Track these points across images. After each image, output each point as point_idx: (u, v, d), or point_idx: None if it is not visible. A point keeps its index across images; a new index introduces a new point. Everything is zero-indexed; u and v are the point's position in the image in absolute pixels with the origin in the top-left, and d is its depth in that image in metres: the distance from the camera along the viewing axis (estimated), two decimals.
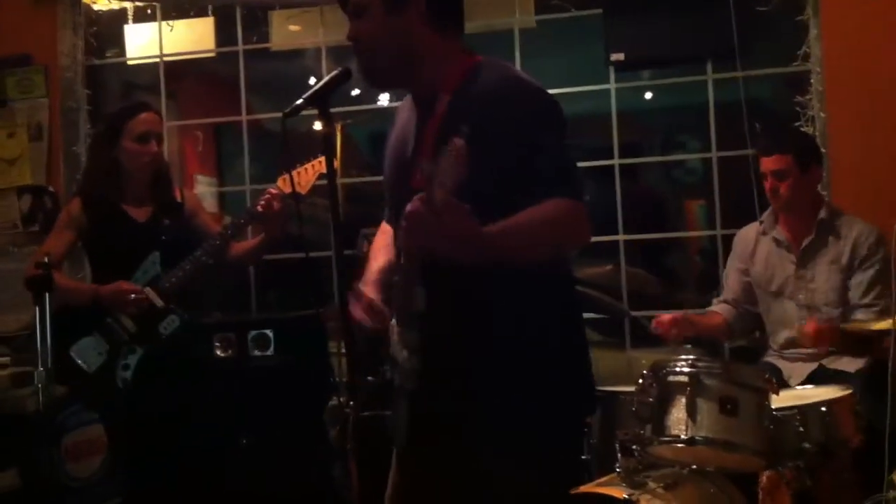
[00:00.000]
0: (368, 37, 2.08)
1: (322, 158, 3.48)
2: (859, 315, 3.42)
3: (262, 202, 3.50)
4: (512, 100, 2.00)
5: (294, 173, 3.50)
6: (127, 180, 3.56)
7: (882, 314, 3.35)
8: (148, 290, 3.46)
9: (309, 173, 3.51)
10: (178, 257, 3.52)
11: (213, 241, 3.56)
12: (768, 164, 3.53)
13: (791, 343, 3.50)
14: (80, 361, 3.44)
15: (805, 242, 3.55)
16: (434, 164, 1.73)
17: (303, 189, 3.52)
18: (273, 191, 3.52)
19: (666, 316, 3.52)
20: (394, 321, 2.08)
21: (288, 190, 3.49)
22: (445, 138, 1.77)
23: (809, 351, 3.44)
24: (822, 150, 4.01)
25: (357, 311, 2.07)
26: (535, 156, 1.96)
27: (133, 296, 3.43)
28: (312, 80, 5.04)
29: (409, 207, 1.76)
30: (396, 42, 2.07)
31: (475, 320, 2.04)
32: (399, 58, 2.08)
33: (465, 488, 2.06)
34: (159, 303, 3.46)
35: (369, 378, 2.05)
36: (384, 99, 4.87)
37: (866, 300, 3.43)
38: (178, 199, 3.69)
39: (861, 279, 3.46)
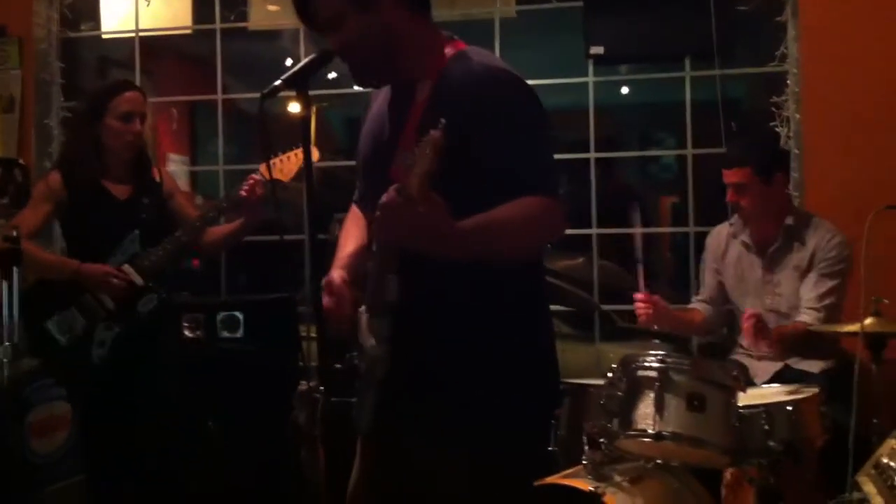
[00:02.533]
0: (353, 44, 2.06)
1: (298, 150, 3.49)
2: (803, 316, 3.43)
3: (245, 187, 3.50)
4: (493, 92, 2.00)
5: (277, 160, 3.52)
6: (108, 158, 3.55)
7: (828, 318, 3.38)
8: (127, 267, 3.46)
9: (292, 161, 3.52)
10: (156, 237, 3.52)
11: (194, 222, 3.58)
12: (729, 176, 3.53)
13: None
14: (56, 335, 3.43)
15: (772, 248, 3.57)
16: (411, 156, 1.72)
17: (286, 176, 3.54)
18: (255, 176, 3.52)
19: (650, 297, 3.49)
20: (363, 308, 2.07)
21: (270, 175, 3.47)
22: (428, 127, 1.77)
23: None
24: (797, 150, 4.04)
25: (324, 297, 2.07)
26: (514, 150, 1.96)
27: (116, 280, 3.41)
28: (289, 62, 5.01)
29: (384, 198, 1.76)
30: (379, 38, 2.06)
31: (443, 310, 2.04)
32: (387, 52, 2.07)
33: (427, 478, 2.07)
34: (139, 281, 3.47)
35: (337, 365, 2.04)
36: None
37: (811, 301, 3.44)
38: (157, 179, 3.68)
39: (812, 279, 3.47)
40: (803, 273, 3.49)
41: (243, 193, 3.51)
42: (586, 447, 2.67)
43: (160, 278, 3.57)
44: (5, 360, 3.08)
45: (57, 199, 3.54)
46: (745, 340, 3.47)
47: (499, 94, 2.00)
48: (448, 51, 2.10)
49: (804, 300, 3.46)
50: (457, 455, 2.03)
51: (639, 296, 3.49)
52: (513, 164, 1.96)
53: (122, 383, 3.43)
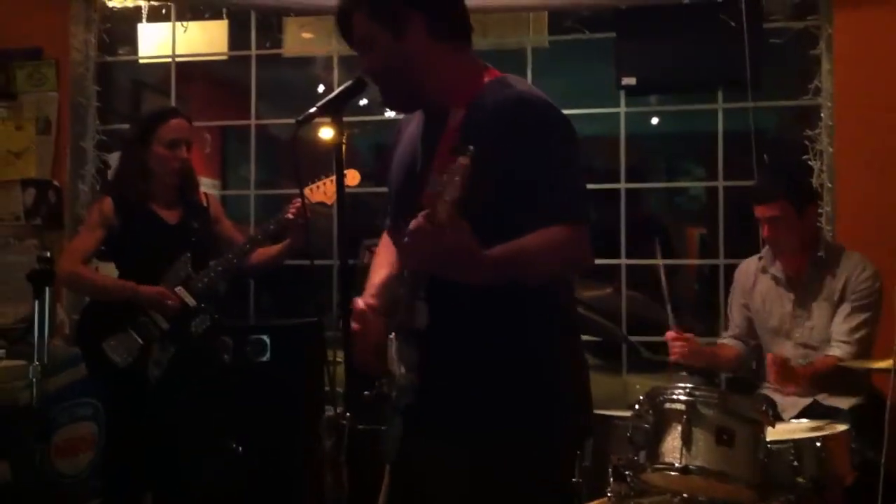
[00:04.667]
0: (384, 67, 2.08)
1: (349, 171, 3.56)
2: (835, 350, 3.39)
3: (292, 210, 3.55)
4: (525, 118, 1.99)
5: (321, 183, 3.60)
6: (156, 183, 3.60)
7: (859, 352, 3.34)
8: (180, 289, 3.51)
9: (331, 185, 3.57)
10: (205, 259, 3.59)
11: (244, 244, 3.64)
12: (763, 211, 3.50)
13: None
14: (113, 356, 3.46)
15: (803, 281, 3.54)
16: (440, 182, 1.72)
17: (329, 199, 3.60)
18: (300, 199, 3.56)
19: (683, 334, 3.48)
20: (392, 335, 2.07)
21: (315, 199, 3.58)
22: (459, 153, 1.76)
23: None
24: (829, 184, 4.01)
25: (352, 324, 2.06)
26: (545, 177, 1.95)
27: (170, 302, 3.47)
28: (322, 89, 5.05)
29: (412, 224, 1.75)
30: (411, 65, 2.06)
31: (474, 339, 2.03)
32: (418, 80, 2.08)
33: None
34: (192, 302, 3.52)
35: (366, 392, 2.04)
36: (390, 111, 4.87)
37: (842, 334, 3.40)
38: (203, 203, 3.74)
39: (843, 312, 3.43)
40: (835, 305, 3.46)
41: (290, 216, 3.54)
42: (611, 479, 2.66)
43: (212, 300, 3.61)
44: (34, 379, 3.10)
45: (109, 224, 3.59)
46: (769, 376, 3.43)
47: (531, 120, 1.99)
48: (484, 79, 2.11)
49: (835, 333, 3.42)
50: (481, 486, 2.01)
51: (671, 334, 3.47)
52: (543, 191, 1.95)
53: (173, 403, 3.46)
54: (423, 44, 2.06)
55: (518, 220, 1.91)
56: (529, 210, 1.93)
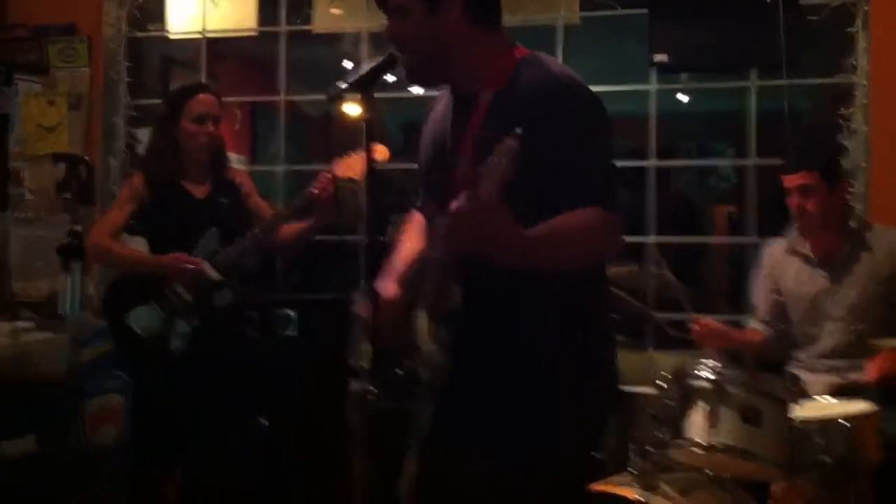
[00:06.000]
0: (409, 36, 2.07)
1: (377, 147, 3.51)
2: None
3: (319, 186, 3.52)
4: (557, 100, 1.97)
5: (349, 159, 3.54)
6: (186, 159, 3.62)
7: None
8: (204, 263, 3.52)
9: (361, 160, 3.54)
10: (233, 235, 3.59)
11: (270, 220, 3.64)
12: (794, 180, 3.44)
13: (824, 354, 3.45)
14: (136, 328, 3.50)
15: (837, 257, 3.50)
16: (484, 163, 1.72)
17: (357, 175, 3.55)
18: (327, 175, 3.53)
19: (708, 320, 3.45)
20: (423, 314, 2.07)
21: (342, 174, 3.52)
22: (487, 135, 1.77)
23: (838, 364, 3.39)
24: (864, 163, 3.96)
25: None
26: (577, 159, 1.93)
27: (191, 266, 3.49)
28: (349, 65, 5.05)
29: (453, 206, 1.74)
30: (437, 40, 2.06)
31: (507, 319, 2.02)
32: (441, 55, 2.07)
33: (482, 484, 2.06)
34: (215, 276, 3.52)
35: (397, 370, 2.05)
36: (418, 88, 4.86)
37: None
38: (234, 180, 3.75)
39: None
40: (882, 280, 3.40)
41: (316, 192, 3.53)
42: (634, 455, 2.66)
43: (237, 275, 3.62)
44: (64, 352, 3.14)
45: (140, 199, 3.62)
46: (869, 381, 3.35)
47: (562, 102, 1.98)
48: (515, 58, 2.09)
49: None
50: (510, 463, 2.01)
51: (694, 326, 3.44)
52: (575, 173, 1.93)
53: (196, 376, 3.49)
54: (457, 23, 2.05)
55: (550, 203, 1.90)
56: (561, 193, 1.91)
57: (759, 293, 3.70)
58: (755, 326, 3.70)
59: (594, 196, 1.92)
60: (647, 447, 2.63)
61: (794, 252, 3.59)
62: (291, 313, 3.84)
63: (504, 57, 2.09)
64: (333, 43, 4.97)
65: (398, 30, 2.08)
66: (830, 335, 3.46)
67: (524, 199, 1.83)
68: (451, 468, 2.11)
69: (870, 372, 3.22)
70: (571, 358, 2.02)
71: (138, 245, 3.82)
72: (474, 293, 1.96)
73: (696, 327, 3.42)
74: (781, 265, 3.62)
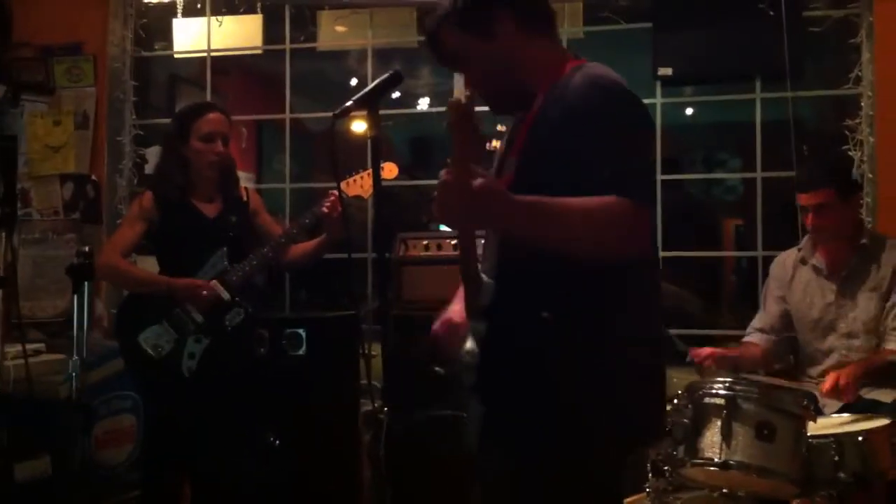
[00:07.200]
0: (485, 75, 2.09)
1: (385, 164, 3.54)
2: (890, 343, 3.35)
3: (328, 204, 3.53)
4: (593, 99, 1.96)
5: (357, 176, 3.59)
6: (196, 177, 3.63)
7: None
8: (215, 283, 3.53)
9: (368, 178, 3.56)
10: (243, 253, 3.60)
11: (280, 238, 3.64)
12: (808, 199, 3.45)
13: (833, 369, 3.44)
14: (147, 348, 3.50)
15: (846, 271, 3.49)
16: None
17: (366, 193, 3.59)
18: (335, 193, 3.52)
19: (704, 349, 3.44)
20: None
21: (351, 193, 3.57)
22: (534, 137, 1.82)
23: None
24: (870, 175, 3.96)
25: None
26: (607, 153, 1.91)
27: (205, 293, 3.49)
28: (354, 82, 5.06)
29: (437, 183, 1.78)
30: (507, 63, 2.08)
31: (531, 324, 1.98)
32: (514, 76, 2.09)
33: (506, 492, 2.03)
34: (226, 296, 3.53)
35: (437, 369, 2.04)
36: (424, 103, 4.87)
37: None
38: (244, 198, 3.75)
39: (895, 303, 3.40)
40: (883, 296, 3.42)
41: (325, 210, 3.54)
42: (650, 474, 2.65)
43: (246, 293, 3.62)
44: (74, 373, 3.13)
45: (150, 218, 3.62)
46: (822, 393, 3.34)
47: (598, 99, 1.97)
48: (567, 66, 2.09)
49: (889, 327, 3.38)
50: (530, 469, 1.98)
51: (695, 359, 3.42)
52: (603, 164, 1.90)
53: (207, 394, 3.48)
54: (513, 38, 2.08)
55: (574, 191, 1.87)
56: (584, 179, 1.88)
57: (767, 300, 3.71)
58: (752, 339, 3.69)
59: (620, 186, 1.87)
60: (663, 466, 2.61)
61: (804, 262, 3.60)
62: (301, 331, 3.84)
63: (558, 64, 2.10)
64: (340, 60, 4.98)
65: (472, 76, 2.12)
66: (837, 350, 3.46)
67: (559, 191, 1.84)
68: (482, 466, 2.10)
69: (823, 384, 3.24)
70: (589, 373, 1.96)
71: (149, 265, 3.82)
72: (504, 291, 1.97)
73: (692, 357, 3.41)
74: (791, 275, 3.63)
